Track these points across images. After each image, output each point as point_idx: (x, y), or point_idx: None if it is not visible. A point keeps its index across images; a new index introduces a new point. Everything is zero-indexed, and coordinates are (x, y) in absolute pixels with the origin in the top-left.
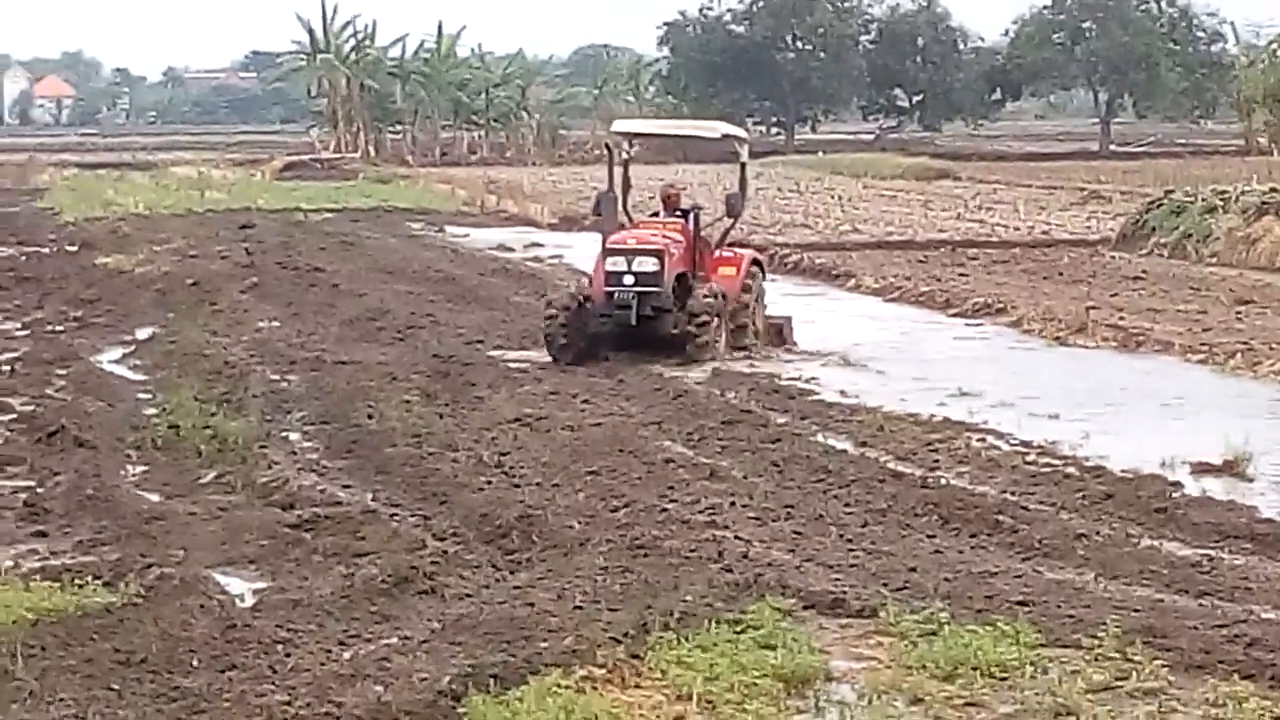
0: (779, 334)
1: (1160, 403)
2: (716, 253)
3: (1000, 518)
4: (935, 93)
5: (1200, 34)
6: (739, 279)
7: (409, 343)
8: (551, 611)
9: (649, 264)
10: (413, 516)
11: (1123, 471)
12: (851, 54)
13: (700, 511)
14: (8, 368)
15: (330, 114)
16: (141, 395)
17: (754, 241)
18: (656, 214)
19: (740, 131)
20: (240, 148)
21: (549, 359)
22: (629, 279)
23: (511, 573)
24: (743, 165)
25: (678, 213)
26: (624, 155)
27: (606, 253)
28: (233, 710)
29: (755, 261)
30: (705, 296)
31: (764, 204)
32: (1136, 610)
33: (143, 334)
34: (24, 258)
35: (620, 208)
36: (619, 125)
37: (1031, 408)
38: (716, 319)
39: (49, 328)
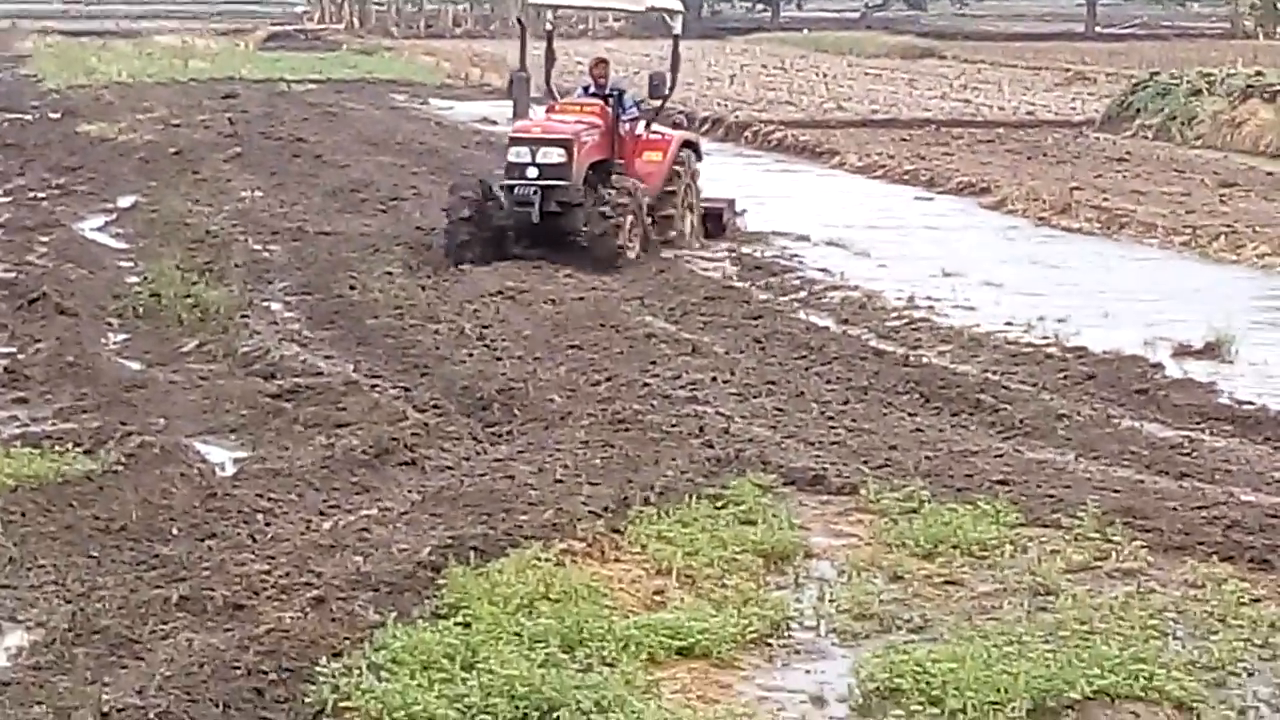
0: (718, 221)
1: (1142, 285)
2: (641, 135)
3: (981, 397)
4: None
5: None
6: (665, 165)
7: (391, 214)
8: (532, 484)
9: (554, 154)
10: (394, 388)
11: (1104, 353)
12: None
13: (682, 387)
14: None
15: None
16: (123, 263)
17: (737, 119)
18: (588, 88)
19: (672, 3)
20: (224, 17)
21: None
22: (532, 171)
23: (492, 445)
24: (675, 39)
25: (609, 90)
26: (546, 28)
27: (510, 141)
28: (212, 578)
29: (687, 144)
30: (614, 195)
31: (749, 81)
32: (1116, 491)
33: (125, 202)
34: (6, 124)
35: (546, 86)
36: None
37: (1014, 287)
38: (631, 218)
39: (31, 195)
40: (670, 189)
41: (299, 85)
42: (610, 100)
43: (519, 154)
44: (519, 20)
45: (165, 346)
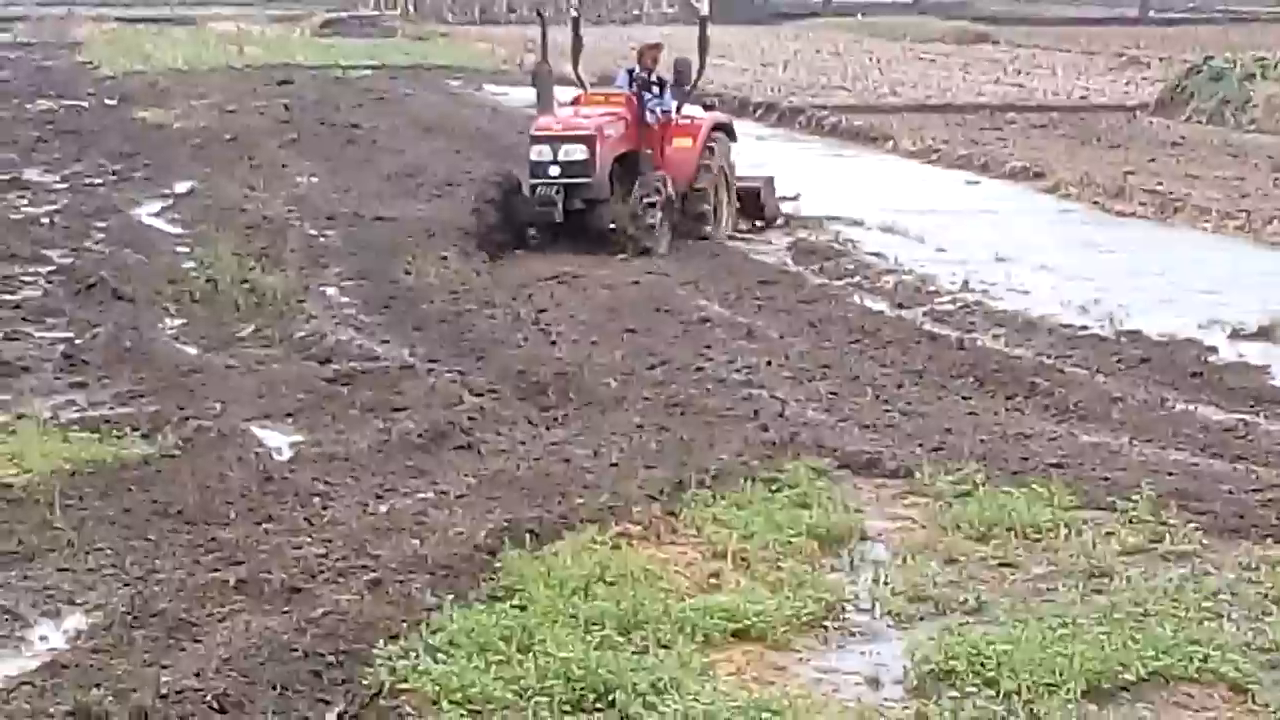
0: (755, 201)
1: (1196, 269)
2: (672, 121)
3: (1036, 380)
4: None
5: None
6: (696, 150)
7: (446, 199)
8: (588, 468)
9: (577, 152)
10: (449, 372)
11: (1159, 336)
12: None
13: (736, 371)
14: (47, 220)
15: None
16: (180, 249)
17: (790, 104)
18: (633, 71)
19: None
20: (279, 4)
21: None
22: (554, 169)
23: (548, 429)
24: (703, 21)
25: (655, 78)
26: (572, 14)
27: (531, 139)
28: (269, 562)
29: (719, 127)
30: (643, 193)
31: (802, 66)
32: (1171, 474)
33: (181, 188)
34: (63, 111)
35: (575, 75)
36: None
37: (1068, 271)
38: (660, 213)
39: (88, 181)
40: (704, 173)
41: (354, 71)
42: (653, 88)
43: (541, 153)
44: (538, 10)
45: (221, 331)
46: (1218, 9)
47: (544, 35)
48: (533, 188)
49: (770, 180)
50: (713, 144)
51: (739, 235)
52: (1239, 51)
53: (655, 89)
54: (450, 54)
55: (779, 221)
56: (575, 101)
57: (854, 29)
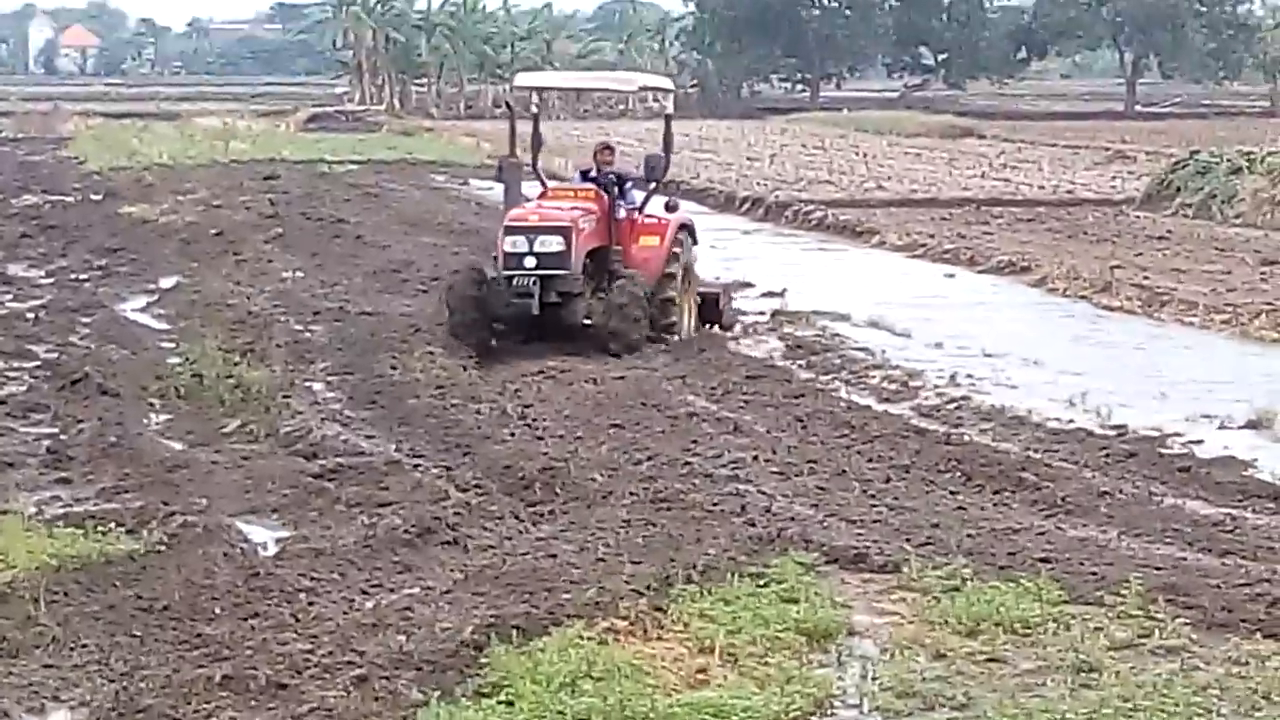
0: (714, 308)
1: (1183, 363)
2: (637, 220)
3: (1023, 475)
4: (960, 51)
5: None
6: (663, 250)
7: (432, 295)
8: (574, 563)
9: (554, 243)
10: (436, 467)
11: (1146, 430)
12: (877, 11)
13: (723, 465)
14: (32, 315)
15: (355, 66)
16: (165, 344)
17: (777, 198)
18: (588, 172)
19: (663, 81)
20: (265, 99)
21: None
22: (530, 260)
23: (534, 524)
24: (667, 119)
25: (611, 176)
26: (532, 110)
27: (505, 230)
28: (255, 658)
29: (683, 227)
30: (629, 287)
31: (789, 160)
32: (1159, 568)
33: (166, 283)
34: (49, 206)
35: (534, 171)
36: (523, 79)
37: (1055, 365)
38: (641, 312)
39: (73, 276)
40: (668, 275)
41: (340, 166)
42: (613, 188)
43: (515, 243)
44: (507, 104)
45: (207, 426)
46: (1203, 103)
47: (513, 129)
48: (508, 279)
49: (728, 288)
50: (679, 245)
51: (724, 332)
52: (1225, 146)
53: (615, 189)
54: (435, 149)
55: (733, 330)
56: (541, 197)
57: (840, 123)
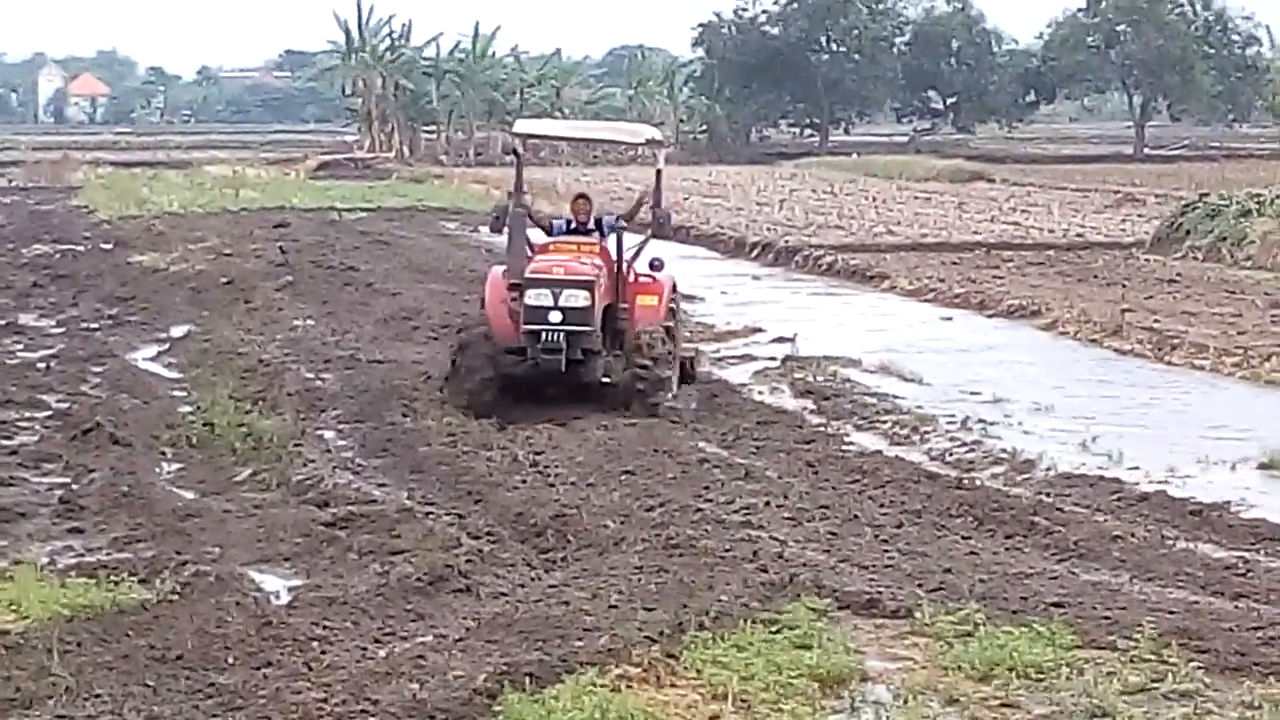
0: (690, 369)
1: (1194, 406)
2: (632, 279)
3: (1035, 519)
4: (969, 95)
5: (1235, 37)
6: (661, 309)
7: (443, 342)
8: (587, 610)
9: (579, 298)
10: (448, 515)
11: (1158, 473)
12: (886, 56)
13: (735, 511)
14: (43, 365)
15: (365, 114)
16: (176, 393)
17: (787, 243)
18: (570, 222)
19: (663, 135)
20: (274, 147)
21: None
22: (554, 315)
23: (547, 571)
24: (658, 174)
25: (589, 229)
26: (519, 151)
27: (528, 283)
28: (268, 707)
29: (673, 287)
30: (655, 337)
31: (798, 205)
32: (1172, 612)
33: (177, 332)
34: (59, 255)
35: (529, 216)
36: (521, 126)
37: (1066, 409)
38: (668, 372)
39: (84, 325)
40: (665, 335)
41: (350, 214)
42: (602, 236)
43: (539, 296)
44: (514, 151)
45: (219, 475)
46: (1212, 146)
47: (519, 174)
48: (533, 334)
49: (698, 351)
50: (674, 303)
51: (734, 378)
52: (1234, 188)
53: (615, 239)
54: (445, 196)
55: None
56: (545, 249)
57: (849, 168)
